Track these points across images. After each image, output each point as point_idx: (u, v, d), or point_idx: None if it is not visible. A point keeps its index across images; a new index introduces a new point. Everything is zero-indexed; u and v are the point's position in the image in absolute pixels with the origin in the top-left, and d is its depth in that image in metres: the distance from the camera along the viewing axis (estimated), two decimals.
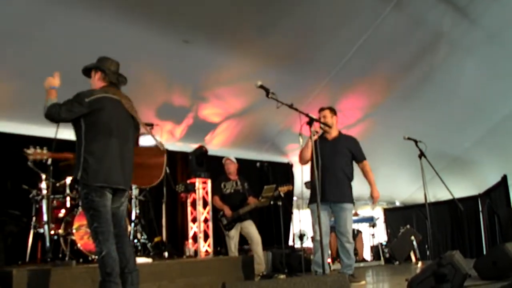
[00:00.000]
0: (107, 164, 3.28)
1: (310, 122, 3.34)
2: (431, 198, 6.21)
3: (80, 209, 5.03)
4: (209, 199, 6.87)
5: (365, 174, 5.26)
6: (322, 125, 4.95)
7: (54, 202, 5.26)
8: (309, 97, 7.43)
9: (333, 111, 5.29)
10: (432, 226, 5.44)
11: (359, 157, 5.25)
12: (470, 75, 8.00)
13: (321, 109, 5.29)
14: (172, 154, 7.63)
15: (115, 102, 3.44)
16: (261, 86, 3.36)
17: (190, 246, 6.75)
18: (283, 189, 6.24)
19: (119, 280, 3.18)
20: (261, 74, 6.19)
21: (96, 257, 4.86)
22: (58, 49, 5.38)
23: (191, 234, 6.87)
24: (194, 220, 6.89)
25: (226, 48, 6.24)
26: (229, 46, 6.22)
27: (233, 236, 6.13)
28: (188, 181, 6.82)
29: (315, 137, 4.89)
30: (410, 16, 6.47)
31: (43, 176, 5.11)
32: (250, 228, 6.19)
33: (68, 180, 5.29)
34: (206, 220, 6.87)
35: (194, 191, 6.77)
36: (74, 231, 4.88)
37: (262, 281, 2.84)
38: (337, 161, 5.08)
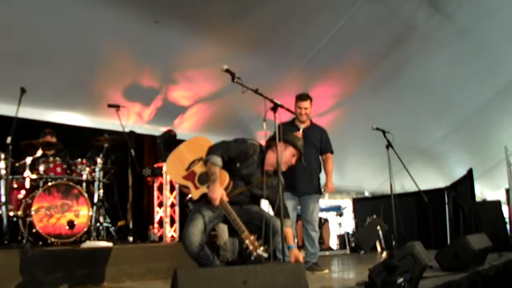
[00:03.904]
0: None
1: (275, 107, 3.27)
2: (399, 189, 6.23)
3: (40, 190, 4.85)
4: (176, 184, 6.75)
5: (325, 165, 5.21)
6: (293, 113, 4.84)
7: (14, 182, 5.09)
8: (282, 83, 7.35)
9: (311, 100, 5.14)
10: (398, 217, 5.44)
11: (327, 148, 5.20)
12: (441, 69, 8.08)
13: (304, 99, 5.05)
14: (139, 137, 7.48)
15: None
16: (227, 70, 3.26)
17: (155, 231, 6.64)
18: None
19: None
20: (233, 58, 6.09)
21: (55, 240, 4.74)
22: (26, 28, 5.19)
23: (157, 219, 6.77)
24: (160, 204, 6.79)
25: (198, 30, 6.10)
26: (201, 28, 6.08)
27: None
28: (155, 165, 6.70)
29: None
30: (385, 6, 6.46)
31: (2, 156, 4.92)
32: None
33: (28, 160, 5.10)
34: (172, 205, 6.77)
35: (161, 175, 6.65)
36: (32, 213, 4.71)
37: (215, 269, 2.79)
38: (309, 152, 4.99)
